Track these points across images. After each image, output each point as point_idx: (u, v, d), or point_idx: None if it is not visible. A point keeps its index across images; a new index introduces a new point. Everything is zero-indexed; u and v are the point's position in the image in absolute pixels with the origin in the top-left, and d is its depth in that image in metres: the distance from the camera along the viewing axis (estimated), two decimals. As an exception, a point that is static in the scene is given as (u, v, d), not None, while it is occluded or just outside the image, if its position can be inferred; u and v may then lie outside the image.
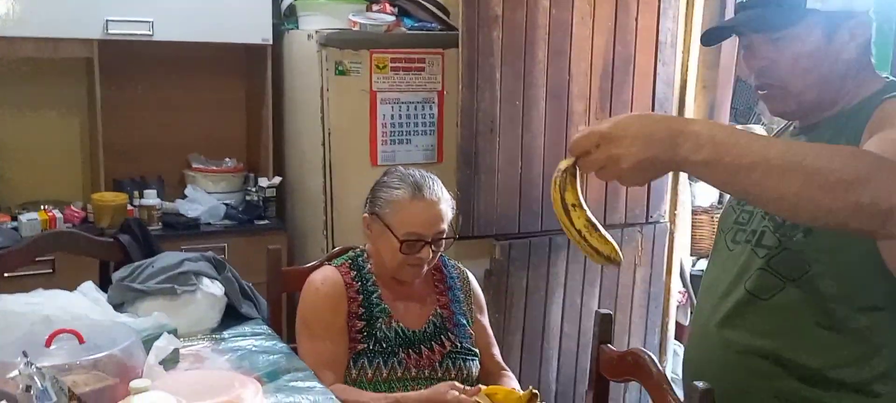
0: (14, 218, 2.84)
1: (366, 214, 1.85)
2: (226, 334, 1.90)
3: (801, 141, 1.29)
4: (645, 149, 0.94)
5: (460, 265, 2.00)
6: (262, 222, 3.11)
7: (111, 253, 2.20)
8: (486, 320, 1.98)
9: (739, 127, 1.35)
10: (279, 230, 3.08)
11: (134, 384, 1.25)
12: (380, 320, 1.80)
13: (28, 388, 1.21)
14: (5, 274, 2.36)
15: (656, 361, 1.38)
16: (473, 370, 1.85)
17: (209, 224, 3.05)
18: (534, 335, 2.81)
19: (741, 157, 0.89)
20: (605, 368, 1.54)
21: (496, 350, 1.97)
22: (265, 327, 1.97)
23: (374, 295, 1.83)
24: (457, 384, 1.67)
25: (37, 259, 2.39)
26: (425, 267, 1.82)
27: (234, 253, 2.91)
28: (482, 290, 2.64)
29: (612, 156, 0.96)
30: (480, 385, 1.69)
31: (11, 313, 1.66)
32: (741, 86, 3.41)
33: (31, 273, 2.54)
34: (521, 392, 1.73)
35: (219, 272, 2.00)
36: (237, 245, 2.97)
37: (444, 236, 1.81)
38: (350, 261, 1.89)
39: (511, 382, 1.89)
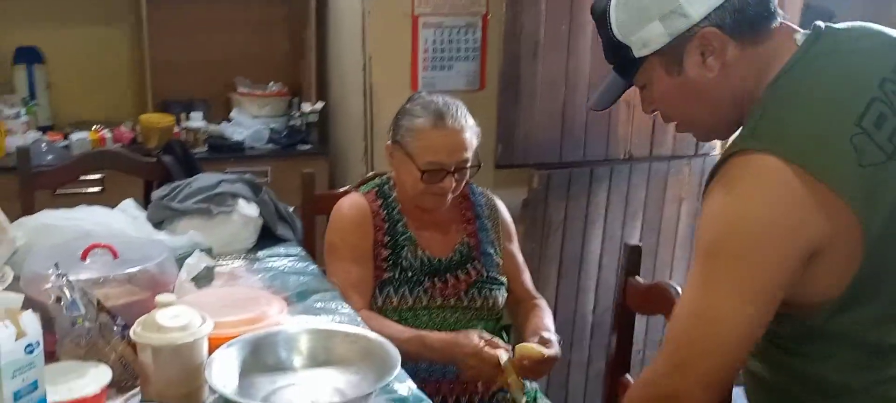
0: (65, 137, 2.92)
1: (389, 143, 1.83)
2: (260, 254, 1.94)
3: None
4: None
5: (488, 192, 1.96)
6: (304, 147, 3.14)
7: (154, 172, 2.25)
8: (515, 248, 1.95)
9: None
10: (320, 155, 3.10)
11: (159, 298, 1.29)
12: (406, 248, 1.79)
13: (58, 299, 1.25)
14: (57, 191, 2.46)
15: (679, 292, 1.35)
16: (499, 299, 1.83)
17: (253, 147, 3.09)
18: (571, 266, 2.78)
19: None
20: (631, 300, 1.52)
21: (527, 278, 1.94)
22: (299, 249, 1.99)
23: (400, 223, 1.82)
24: (485, 334, 1.66)
25: (83, 177, 2.45)
26: (449, 197, 1.78)
27: (275, 177, 2.95)
28: (518, 220, 2.62)
29: None
30: (501, 343, 1.66)
31: (53, 227, 1.71)
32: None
33: (82, 191, 2.63)
34: (551, 331, 1.72)
35: (255, 194, 2.02)
36: (279, 169, 3.01)
37: (468, 165, 1.77)
38: (377, 189, 1.88)
39: (542, 312, 1.86)
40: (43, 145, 2.78)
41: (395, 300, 1.75)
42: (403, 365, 1.26)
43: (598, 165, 2.76)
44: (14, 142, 2.81)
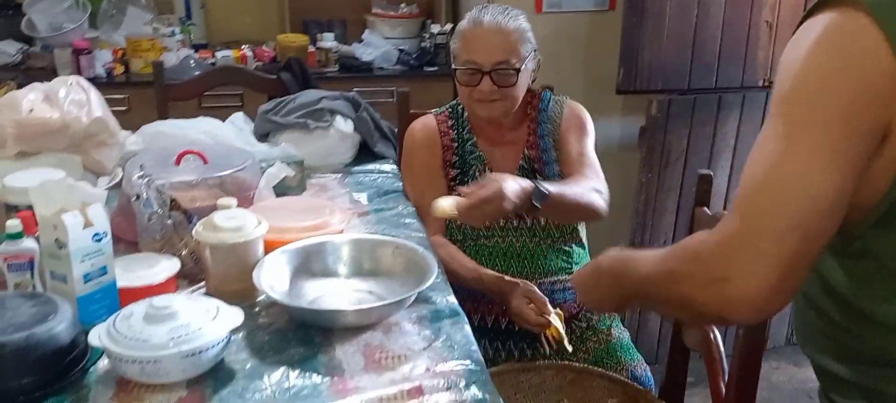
0: (213, 55, 3.15)
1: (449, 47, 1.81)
2: (355, 169, 2.02)
3: None
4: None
5: (565, 99, 1.85)
6: (431, 69, 3.17)
7: (271, 88, 2.39)
8: (581, 141, 1.78)
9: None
10: (446, 77, 3.12)
11: (220, 201, 1.39)
12: (474, 167, 1.79)
13: (137, 197, 1.39)
14: (202, 104, 2.69)
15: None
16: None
17: (382, 68, 3.17)
18: (692, 198, 2.64)
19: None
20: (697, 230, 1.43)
21: (585, 171, 1.74)
22: (393, 166, 2.05)
23: (469, 143, 1.81)
24: (536, 294, 1.61)
25: (223, 92, 2.63)
26: (498, 105, 1.71)
27: (400, 97, 3.01)
28: (635, 148, 2.52)
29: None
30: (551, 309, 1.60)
31: (164, 134, 1.88)
32: None
33: (223, 105, 2.84)
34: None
35: (355, 111, 2.09)
36: (405, 89, 3.06)
37: (509, 69, 1.67)
38: (450, 110, 1.87)
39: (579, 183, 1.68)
40: (192, 62, 3.02)
41: (458, 220, 1.75)
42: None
43: (728, 92, 2.57)
44: (170, 58, 3.07)
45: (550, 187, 1.56)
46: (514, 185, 1.50)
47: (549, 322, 1.54)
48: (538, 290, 1.62)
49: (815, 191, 0.80)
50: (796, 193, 0.81)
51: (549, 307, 1.58)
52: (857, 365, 0.96)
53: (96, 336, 1.08)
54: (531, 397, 1.56)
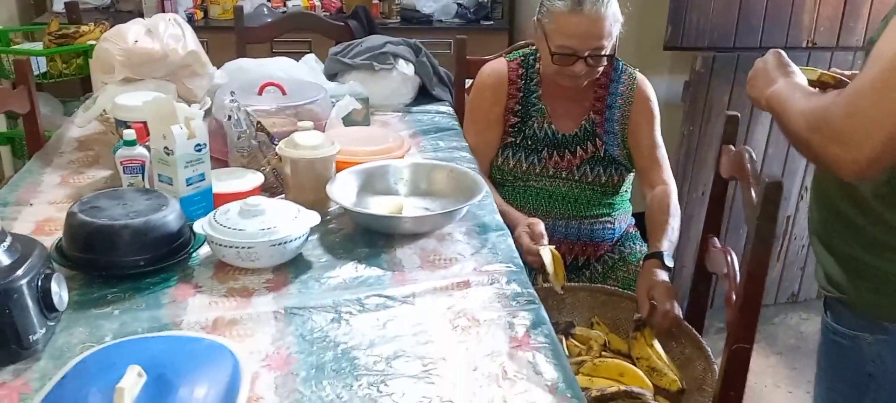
0: (284, 3, 3.37)
1: (535, 17, 1.88)
2: (414, 109, 2.21)
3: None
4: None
5: (637, 73, 1.95)
6: (487, 23, 3.33)
7: (340, 34, 2.58)
8: (652, 130, 1.91)
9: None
10: (502, 30, 3.28)
11: (301, 124, 1.59)
12: (534, 119, 1.90)
13: (229, 118, 1.60)
14: (274, 50, 2.90)
15: (752, 157, 1.40)
16: (615, 177, 1.90)
17: (441, 20, 3.34)
18: (733, 153, 2.76)
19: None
20: (723, 168, 1.58)
21: (659, 163, 1.89)
22: (449, 108, 2.23)
23: (535, 94, 1.91)
24: (538, 229, 1.67)
25: (295, 38, 2.83)
26: (584, 81, 1.82)
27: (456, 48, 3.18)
28: (679, 102, 2.63)
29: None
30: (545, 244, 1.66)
31: (245, 69, 2.09)
32: None
33: (295, 50, 3.05)
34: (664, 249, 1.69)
35: (415, 55, 2.27)
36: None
37: (602, 53, 1.76)
38: (522, 58, 1.97)
39: (664, 220, 1.78)
40: (264, 9, 3.24)
41: (511, 162, 1.90)
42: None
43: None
44: (246, 5, 3.29)
45: (669, 253, 1.68)
46: (668, 290, 1.60)
47: (539, 251, 1.62)
48: (541, 226, 1.69)
49: None
50: None
51: (544, 242, 1.65)
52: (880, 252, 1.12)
53: (200, 226, 1.30)
54: (567, 313, 1.74)
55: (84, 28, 2.67)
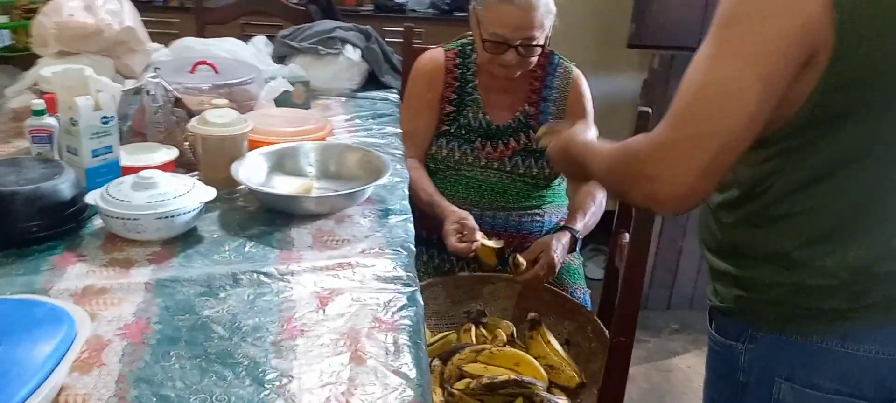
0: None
1: (471, 5, 1.90)
2: (359, 94, 2.21)
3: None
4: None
5: (572, 66, 1.96)
6: (461, 14, 3.31)
7: (298, 17, 2.59)
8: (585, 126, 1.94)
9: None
10: (474, 22, 3.27)
11: (215, 101, 1.60)
12: (470, 108, 1.91)
13: (148, 92, 1.61)
14: (244, 32, 2.91)
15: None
16: (547, 170, 1.90)
17: (414, 10, 3.33)
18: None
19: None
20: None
21: None
22: (395, 96, 2.23)
23: (471, 84, 1.92)
24: (469, 224, 1.73)
25: (236, 18, 2.81)
26: (515, 71, 1.83)
27: (426, 39, 3.17)
28: (637, 101, 2.62)
29: None
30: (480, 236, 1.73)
31: (191, 49, 2.10)
32: None
33: (264, 33, 3.07)
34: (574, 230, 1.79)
35: (366, 41, 2.28)
36: (433, 32, 3.21)
37: (534, 43, 1.78)
38: (459, 48, 1.99)
39: (587, 207, 1.85)
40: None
41: (444, 151, 1.92)
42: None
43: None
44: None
45: (578, 226, 1.77)
46: (559, 251, 1.70)
47: (472, 248, 1.66)
48: (471, 220, 1.72)
49: (740, 106, 0.89)
50: (722, 105, 0.89)
51: (477, 235, 1.69)
52: (735, 260, 1.10)
53: (92, 197, 1.31)
54: (485, 302, 1.75)
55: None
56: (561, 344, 1.59)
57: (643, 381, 2.61)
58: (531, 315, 1.58)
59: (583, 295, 1.84)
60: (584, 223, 1.80)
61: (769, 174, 1.03)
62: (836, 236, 1.01)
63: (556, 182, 1.96)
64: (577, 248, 1.82)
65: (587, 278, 1.96)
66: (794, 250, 1.02)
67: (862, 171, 0.98)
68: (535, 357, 1.51)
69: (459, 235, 1.69)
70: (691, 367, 2.68)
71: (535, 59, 1.85)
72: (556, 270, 1.70)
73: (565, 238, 1.74)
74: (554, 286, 1.78)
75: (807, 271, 1.02)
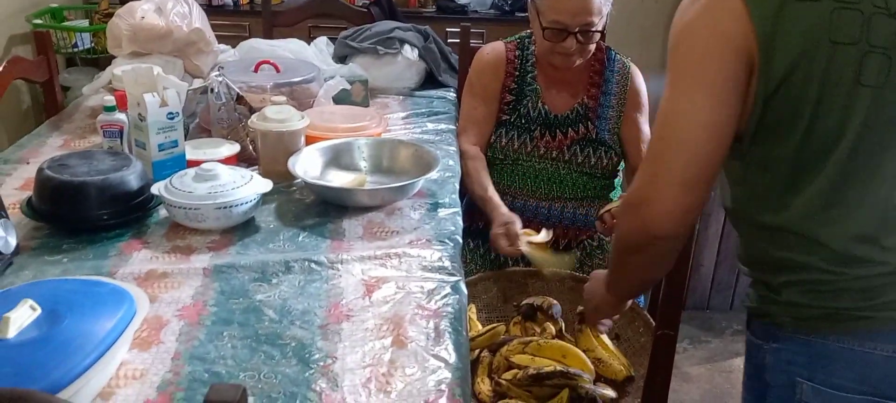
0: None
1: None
2: (417, 93, 2.25)
3: None
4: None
5: (627, 60, 1.98)
6: (522, 14, 3.33)
7: (361, 18, 2.65)
8: (641, 118, 1.95)
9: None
10: (535, 22, 3.27)
11: (274, 98, 1.67)
12: (529, 99, 1.93)
13: (212, 91, 1.69)
14: (311, 34, 3.00)
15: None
16: (605, 161, 1.91)
17: (476, 11, 3.37)
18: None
19: None
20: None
21: (643, 153, 1.91)
22: (451, 94, 2.27)
23: (530, 75, 1.95)
24: (513, 229, 1.70)
25: (302, 20, 2.88)
26: (575, 59, 1.85)
27: (489, 39, 3.21)
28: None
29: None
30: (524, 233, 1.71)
31: (256, 49, 2.18)
32: None
33: (332, 35, 3.15)
34: None
35: (424, 41, 2.32)
36: (494, 32, 3.25)
37: (593, 29, 1.80)
38: (518, 41, 2.01)
39: None
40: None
41: (503, 140, 1.94)
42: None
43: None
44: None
45: None
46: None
47: (518, 252, 1.67)
48: (516, 225, 1.72)
49: (696, 119, 0.99)
50: (682, 124, 1.00)
51: (521, 241, 1.68)
52: (752, 265, 1.14)
53: (156, 188, 1.38)
54: (533, 296, 1.76)
55: (128, 8, 2.84)
56: (610, 338, 1.59)
57: (705, 382, 2.57)
58: (580, 308, 1.59)
59: (636, 291, 1.83)
60: None
61: (754, 185, 1.08)
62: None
63: (615, 176, 1.96)
64: None
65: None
66: (796, 253, 1.04)
67: (837, 174, 1.01)
68: (583, 350, 1.52)
69: (506, 239, 1.71)
70: (754, 371, 2.62)
71: (593, 47, 1.87)
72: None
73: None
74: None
75: (810, 271, 1.04)
